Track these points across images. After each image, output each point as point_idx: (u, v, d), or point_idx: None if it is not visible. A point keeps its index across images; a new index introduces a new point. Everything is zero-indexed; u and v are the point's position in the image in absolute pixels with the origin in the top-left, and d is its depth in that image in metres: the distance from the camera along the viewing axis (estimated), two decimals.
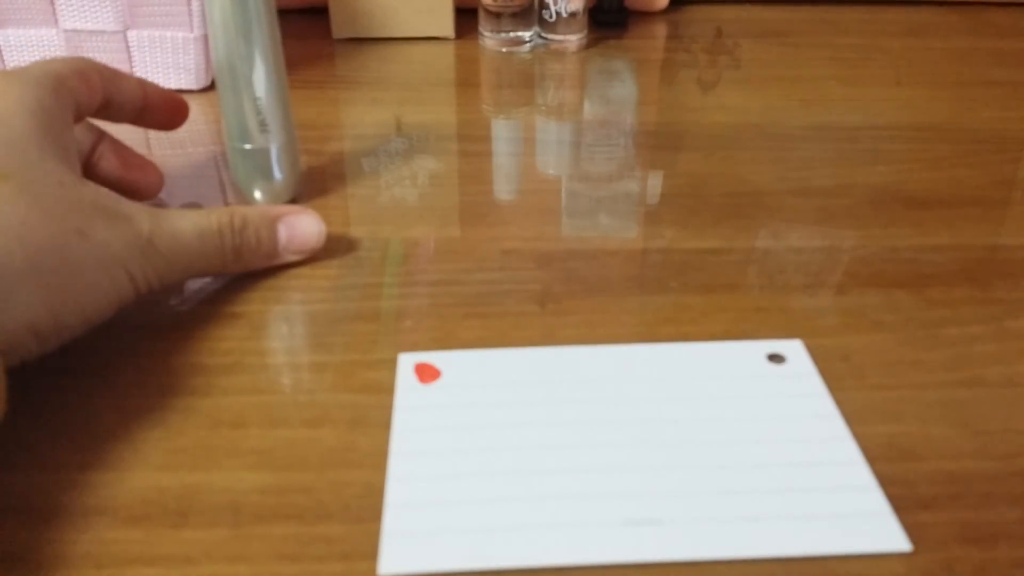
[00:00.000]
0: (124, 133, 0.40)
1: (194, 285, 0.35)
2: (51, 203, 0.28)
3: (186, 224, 0.32)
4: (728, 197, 0.43)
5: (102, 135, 0.38)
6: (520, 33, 0.62)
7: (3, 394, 0.25)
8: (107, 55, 0.52)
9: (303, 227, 0.36)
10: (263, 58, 0.37)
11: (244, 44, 0.37)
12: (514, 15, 0.62)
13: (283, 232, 0.36)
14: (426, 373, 0.31)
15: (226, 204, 0.42)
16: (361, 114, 0.53)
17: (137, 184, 0.39)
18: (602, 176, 0.45)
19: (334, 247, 0.38)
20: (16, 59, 0.52)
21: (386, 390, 0.30)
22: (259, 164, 0.40)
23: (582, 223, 0.41)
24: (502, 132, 0.51)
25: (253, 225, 0.34)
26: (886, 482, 0.27)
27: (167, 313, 0.34)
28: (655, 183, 0.44)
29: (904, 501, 0.26)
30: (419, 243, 0.39)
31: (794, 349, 0.32)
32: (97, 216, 0.29)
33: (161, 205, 0.42)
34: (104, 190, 0.31)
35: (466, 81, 0.58)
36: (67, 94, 0.33)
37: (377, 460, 0.27)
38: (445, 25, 0.64)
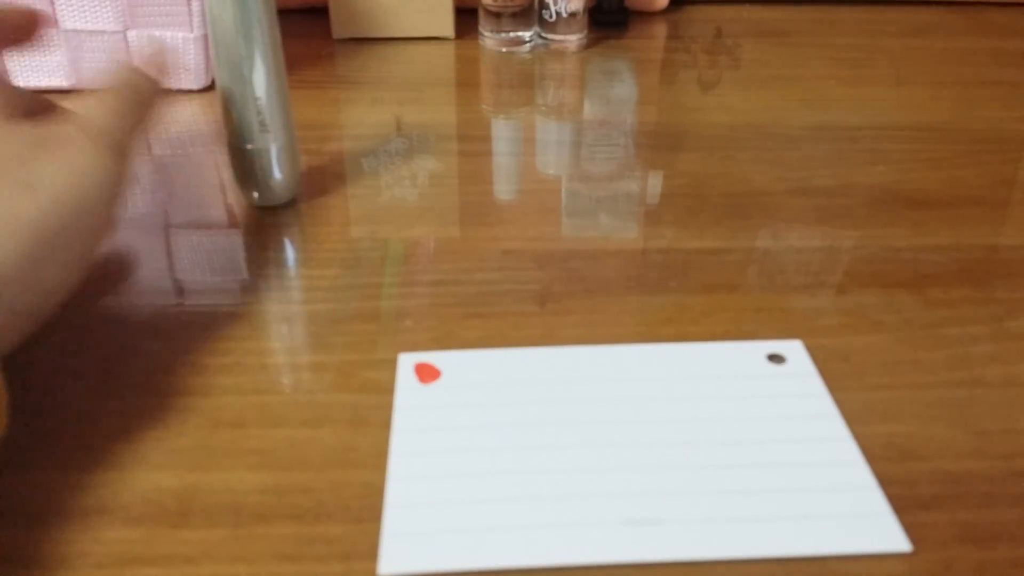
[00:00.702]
0: None
1: (195, 285, 0.36)
2: None
3: (109, 101, 0.32)
4: (728, 197, 0.43)
5: None
6: (520, 33, 0.62)
7: (4, 408, 0.25)
8: (107, 55, 0.52)
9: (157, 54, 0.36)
10: (263, 58, 0.37)
11: (244, 44, 0.37)
12: (514, 15, 0.62)
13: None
14: (426, 373, 0.31)
15: (226, 204, 0.42)
16: (361, 114, 0.53)
17: (20, 41, 0.36)
18: (602, 176, 0.45)
19: (334, 247, 0.38)
20: (15, 59, 0.52)
21: (386, 390, 0.30)
22: (259, 164, 0.40)
23: (582, 223, 0.41)
24: (502, 132, 0.51)
25: (137, 69, 0.34)
26: (886, 482, 0.27)
27: (167, 313, 0.34)
28: (655, 183, 0.44)
29: (904, 501, 0.26)
30: (419, 243, 0.39)
31: (794, 349, 0.32)
32: (40, 153, 0.28)
33: (161, 206, 0.42)
34: (35, 111, 0.29)
35: (466, 81, 0.58)
36: None
37: (377, 460, 0.27)
38: (445, 25, 0.64)
